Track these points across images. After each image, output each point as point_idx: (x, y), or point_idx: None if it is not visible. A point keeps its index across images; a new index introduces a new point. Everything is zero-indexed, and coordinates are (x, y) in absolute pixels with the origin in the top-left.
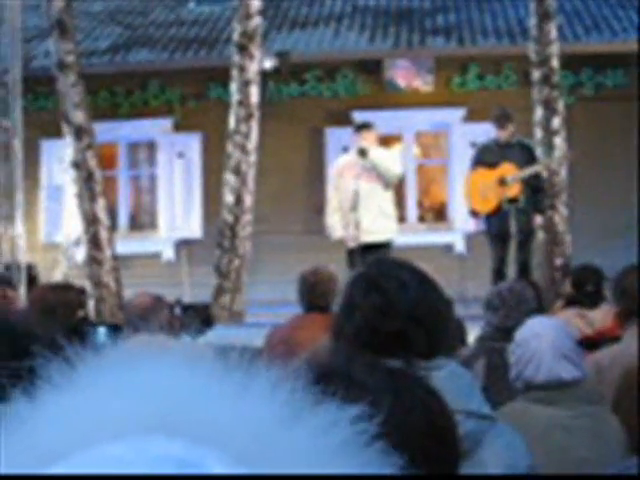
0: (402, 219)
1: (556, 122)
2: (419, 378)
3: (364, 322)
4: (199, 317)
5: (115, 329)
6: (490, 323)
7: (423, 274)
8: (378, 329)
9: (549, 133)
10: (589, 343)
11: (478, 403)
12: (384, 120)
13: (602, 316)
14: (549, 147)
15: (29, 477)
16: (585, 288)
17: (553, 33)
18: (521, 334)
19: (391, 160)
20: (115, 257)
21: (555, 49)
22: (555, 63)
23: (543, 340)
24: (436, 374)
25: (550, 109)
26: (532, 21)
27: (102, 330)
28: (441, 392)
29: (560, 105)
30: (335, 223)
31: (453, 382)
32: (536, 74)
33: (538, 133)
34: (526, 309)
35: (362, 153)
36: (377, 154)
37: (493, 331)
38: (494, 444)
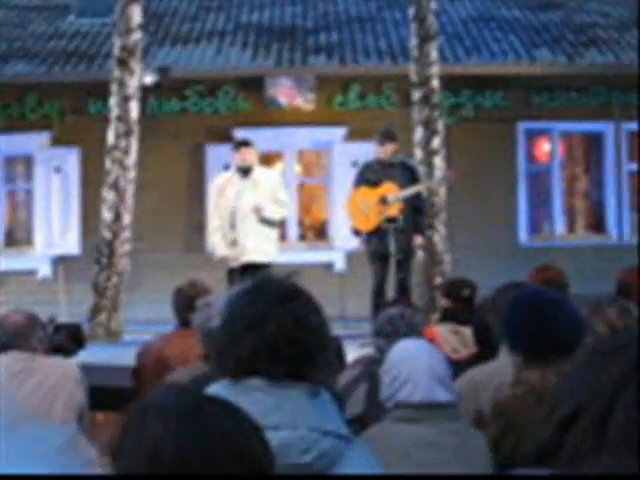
0: (283, 237)
1: (436, 142)
2: (215, 399)
3: (278, 333)
4: (71, 336)
5: None
6: (381, 349)
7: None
8: (292, 339)
9: (429, 153)
10: (463, 364)
11: (336, 423)
12: (265, 138)
13: (473, 334)
14: (429, 167)
15: (29, 477)
16: (459, 295)
17: (434, 54)
18: (396, 355)
19: (280, 195)
20: None
21: (435, 70)
22: (435, 84)
23: (419, 362)
24: (292, 393)
25: (430, 129)
26: (413, 42)
27: None
28: (241, 409)
29: (440, 125)
30: (217, 242)
31: (311, 402)
32: (416, 94)
33: (418, 153)
34: (415, 334)
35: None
36: (263, 178)
37: (379, 356)
38: (350, 463)
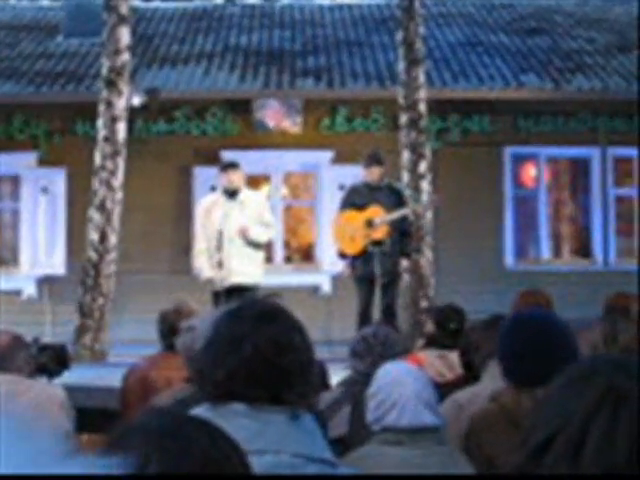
0: (269, 259)
1: (423, 166)
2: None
3: (255, 355)
4: (56, 356)
5: None
6: (356, 370)
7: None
8: (269, 362)
9: (416, 177)
10: (450, 387)
11: (320, 447)
12: (253, 160)
13: (460, 358)
14: (416, 190)
15: (29, 477)
16: (447, 327)
17: (421, 78)
18: (382, 379)
19: (267, 217)
20: None
21: (423, 94)
22: (423, 108)
23: (406, 387)
24: (275, 417)
25: (417, 153)
26: (401, 66)
27: None
28: (220, 429)
29: (427, 149)
30: (203, 264)
31: (294, 426)
32: (404, 118)
33: (405, 176)
34: (391, 354)
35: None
36: (249, 201)
37: (359, 377)
38: None
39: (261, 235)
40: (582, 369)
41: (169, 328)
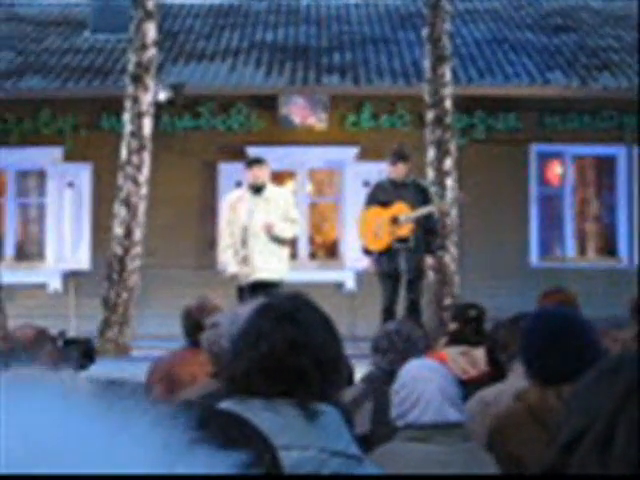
0: (293, 256)
1: (448, 163)
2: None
3: (270, 354)
4: (81, 351)
5: None
6: (378, 365)
7: (326, 314)
8: (284, 362)
9: (441, 174)
10: (474, 384)
11: (345, 442)
12: (278, 156)
13: (485, 354)
14: (441, 187)
15: (29, 477)
16: (466, 318)
17: (447, 75)
18: (406, 376)
19: (292, 214)
20: (0, 287)
21: (449, 91)
22: (448, 105)
23: (430, 384)
24: (298, 413)
25: (442, 150)
26: (427, 63)
27: None
28: (248, 421)
29: (452, 146)
30: (228, 259)
31: (318, 421)
32: (429, 115)
33: (430, 173)
34: (414, 351)
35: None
36: (274, 197)
37: (381, 373)
38: None
39: (286, 231)
40: (608, 366)
41: (193, 324)
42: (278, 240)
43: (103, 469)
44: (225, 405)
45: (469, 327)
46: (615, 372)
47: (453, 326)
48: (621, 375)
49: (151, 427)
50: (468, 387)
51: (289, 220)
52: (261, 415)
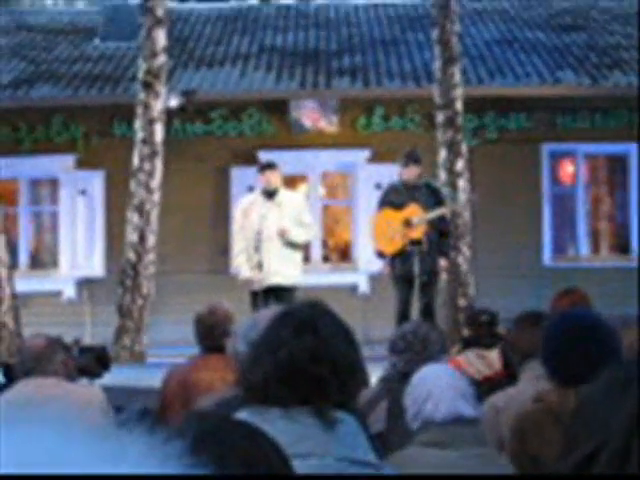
0: (306, 259)
1: (459, 164)
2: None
3: (289, 362)
4: (96, 358)
5: (9, 370)
6: (394, 366)
7: (344, 322)
8: (303, 371)
9: (453, 175)
10: (490, 384)
11: (363, 450)
12: (290, 160)
13: (500, 356)
14: (453, 189)
15: (29, 477)
16: (479, 322)
17: (457, 76)
18: (417, 378)
19: (305, 218)
20: (14, 296)
21: (459, 92)
22: (459, 106)
23: (440, 379)
24: (316, 422)
25: (454, 151)
26: (437, 64)
27: None
28: (260, 430)
29: (463, 147)
30: (242, 264)
31: (335, 430)
32: (440, 116)
33: (442, 175)
34: (430, 352)
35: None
36: (287, 201)
37: (397, 374)
38: None
39: (300, 236)
40: (619, 377)
41: (204, 330)
42: (292, 245)
43: None
44: (242, 415)
45: (482, 331)
46: (626, 385)
47: (466, 332)
48: (632, 389)
49: (144, 458)
50: (483, 387)
51: (303, 225)
52: (278, 424)
